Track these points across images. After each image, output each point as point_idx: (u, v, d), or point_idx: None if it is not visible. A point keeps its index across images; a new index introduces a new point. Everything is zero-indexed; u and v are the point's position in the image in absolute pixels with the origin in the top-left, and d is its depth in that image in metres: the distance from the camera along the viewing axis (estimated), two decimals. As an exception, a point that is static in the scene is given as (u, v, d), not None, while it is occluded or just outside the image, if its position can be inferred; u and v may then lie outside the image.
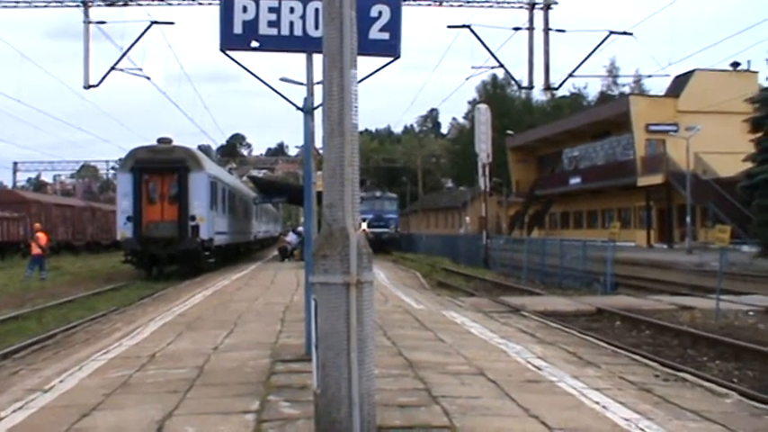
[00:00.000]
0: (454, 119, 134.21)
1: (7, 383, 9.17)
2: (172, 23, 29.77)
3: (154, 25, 29.43)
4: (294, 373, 8.37)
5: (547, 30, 30.27)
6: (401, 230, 67.67)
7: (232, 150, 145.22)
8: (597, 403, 7.22)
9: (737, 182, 45.43)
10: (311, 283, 5.54)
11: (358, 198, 5.47)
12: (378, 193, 60.14)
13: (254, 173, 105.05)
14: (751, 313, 18.03)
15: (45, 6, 30.63)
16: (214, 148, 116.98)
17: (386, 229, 56.33)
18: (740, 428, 6.52)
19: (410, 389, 7.69)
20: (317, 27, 8.80)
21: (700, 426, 6.57)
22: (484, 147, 43.76)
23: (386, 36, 9.09)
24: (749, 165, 43.85)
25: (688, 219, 48.18)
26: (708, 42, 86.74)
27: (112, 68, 30.00)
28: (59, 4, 30.35)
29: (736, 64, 57.95)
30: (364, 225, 50.13)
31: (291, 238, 43.75)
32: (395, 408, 6.74)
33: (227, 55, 9.24)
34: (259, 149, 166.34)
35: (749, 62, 58.34)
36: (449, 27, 31.11)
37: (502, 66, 31.49)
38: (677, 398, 7.71)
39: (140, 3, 29.94)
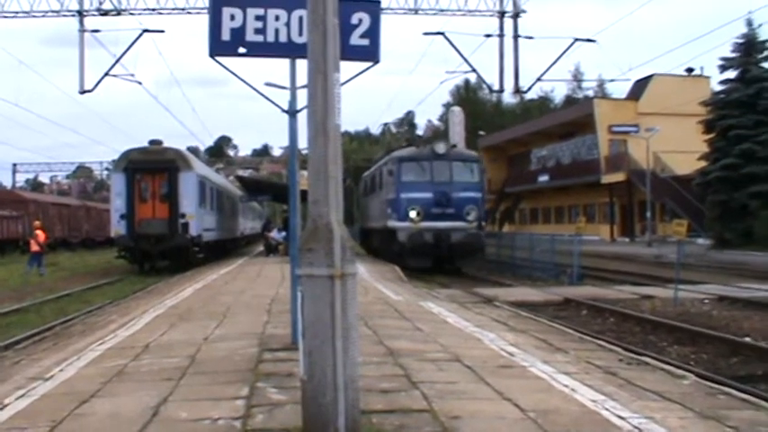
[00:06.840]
0: (429, 121, 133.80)
1: (10, 372, 9.12)
2: (162, 32, 29.57)
3: (145, 33, 29.26)
4: (281, 362, 8.36)
5: (516, 37, 30.37)
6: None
7: (219, 151, 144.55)
8: (566, 386, 7.26)
9: (693, 179, 45.83)
10: (298, 275, 5.52)
11: (341, 194, 5.44)
12: (441, 149, 30.21)
13: (241, 173, 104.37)
14: (706, 301, 18.27)
15: (43, 16, 30.35)
16: (202, 149, 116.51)
17: (459, 223, 28.95)
18: (696, 407, 6.58)
19: (391, 375, 7.69)
20: (300, 34, 8.77)
21: (660, 405, 6.62)
22: (457, 147, 43.83)
23: (366, 42, 9.08)
24: (703, 163, 44.40)
25: (648, 214, 48.71)
26: (665, 49, 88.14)
27: (106, 74, 29.79)
28: (56, 14, 30.08)
29: (690, 69, 58.17)
30: (413, 214, 28.34)
31: (275, 234, 43.58)
32: (377, 393, 6.74)
33: (216, 61, 9.18)
34: (245, 150, 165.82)
35: (702, 68, 58.65)
36: (424, 34, 31.17)
37: (474, 70, 31.52)
38: (640, 380, 7.76)
39: (132, 12, 29.68)
